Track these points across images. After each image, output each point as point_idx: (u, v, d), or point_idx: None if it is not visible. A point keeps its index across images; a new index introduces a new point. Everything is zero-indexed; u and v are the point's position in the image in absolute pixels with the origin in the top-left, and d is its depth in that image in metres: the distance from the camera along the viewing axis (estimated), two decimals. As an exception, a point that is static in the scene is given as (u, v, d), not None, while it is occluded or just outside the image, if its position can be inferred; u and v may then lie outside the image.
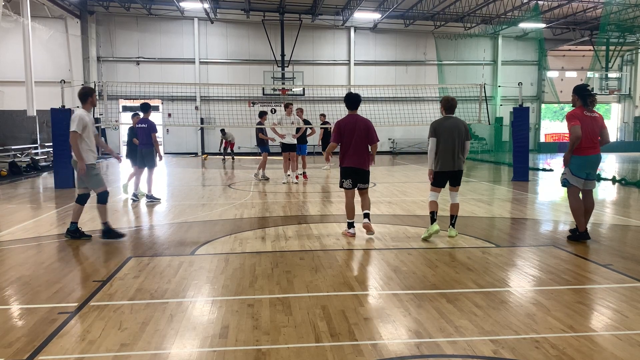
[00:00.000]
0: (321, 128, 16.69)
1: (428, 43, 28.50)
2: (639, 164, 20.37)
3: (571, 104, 6.82)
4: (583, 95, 6.57)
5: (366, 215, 7.04)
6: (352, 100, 7.07)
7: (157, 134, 10.44)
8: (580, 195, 6.77)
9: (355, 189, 7.11)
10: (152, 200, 10.18)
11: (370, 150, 7.05)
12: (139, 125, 10.38)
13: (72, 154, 6.69)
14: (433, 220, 6.81)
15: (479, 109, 14.40)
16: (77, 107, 7.05)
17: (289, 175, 13.55)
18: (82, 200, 6.86)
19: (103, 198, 6.86)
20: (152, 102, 26.36)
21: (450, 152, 6.76)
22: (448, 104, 6.89)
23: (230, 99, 25.98)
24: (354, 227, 7.12)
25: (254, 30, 26.86)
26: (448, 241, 6.76)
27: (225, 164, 20.80)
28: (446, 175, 6.89)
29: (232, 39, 27.19)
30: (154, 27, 26.58)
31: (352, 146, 6.91)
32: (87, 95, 6.78)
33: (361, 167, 6.98)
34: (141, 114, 10.47)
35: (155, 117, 24.59)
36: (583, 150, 6.50)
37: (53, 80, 19.61)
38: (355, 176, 7.02)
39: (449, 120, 6.85)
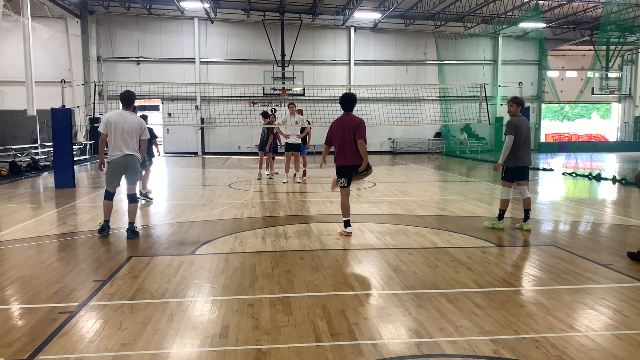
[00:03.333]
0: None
1: (428, 43, 28.48)
2: (639, 164, 20.36)
3: None
4: None
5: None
6: (344, 102, 7.08)
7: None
8: None
9: (349, 186, 7.14)
10: (144, 199, 10.17)
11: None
12: None
13: (138, 154, 7.07)
14: (502, 217, 7.51)
15: (479, 108, 14.39)
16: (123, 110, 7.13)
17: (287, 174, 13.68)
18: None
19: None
20: (153, 102, 26.44)
21: (527, 148, 7.36)
22: (523, 103, 7.46)
23: (230, 98, 25.98)
24: (350, 225, 7.12)
25: (254, 30, 26.84)
26: (448, 241, 6.77)
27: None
28: (520, 170, 7.41)
29: (232, 39, 27.18)
30: (154, 27, 26.57)
31: (340, 145, 6.95)
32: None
33: (355, 162, 6.98)
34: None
35: (155, 117, 24.69)
36: None
37: (53, 80, 19.64)
38: (350, 172, 7.06)
39: (524, 118, 7.45)
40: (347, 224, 7.12)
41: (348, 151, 6.94)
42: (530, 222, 7.62)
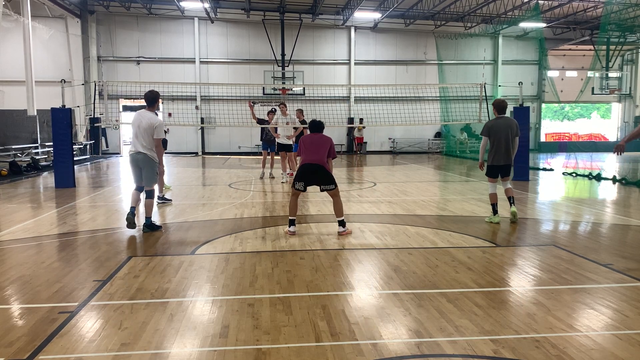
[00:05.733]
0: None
1: (428, 42, 28.48)
2: (639, 164, 20.36)
3: None
4: None
5: (340, 223, 7.17)
6: (314, 126, 7.43)
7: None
8: None
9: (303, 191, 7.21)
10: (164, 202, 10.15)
11: (328, 162, 7.22)
12: None
13: (148, 153, 7.23)
14: (495, 211, 7.84)
15: (479, 108, 14.39)
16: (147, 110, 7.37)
17: (287, 174, 13.68)
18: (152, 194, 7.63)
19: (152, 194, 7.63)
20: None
21: (502, 148, 7.69)
22: (500, 106, 7.83)
23: (230, 98, 25.96)
24: (294, 225, 7.20)
25: (254, 29, 26.85)
26: (448, 241, 6.77)
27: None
28: (499, 168, 7.82)
29: (233, 39, 27.18)
30: (154, 27, 26.57)
31: (310, 151, 7.10)
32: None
33: (315, 162, 7.02)
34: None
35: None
36: None
37: (53, 80, 19.60)
38: (311, 175, 7.07)
39: (501, 120, 7.78)
40: (291, 222, 7.21)
41: (314, 155, 7.05)
42: (531, 222, 7.63)
